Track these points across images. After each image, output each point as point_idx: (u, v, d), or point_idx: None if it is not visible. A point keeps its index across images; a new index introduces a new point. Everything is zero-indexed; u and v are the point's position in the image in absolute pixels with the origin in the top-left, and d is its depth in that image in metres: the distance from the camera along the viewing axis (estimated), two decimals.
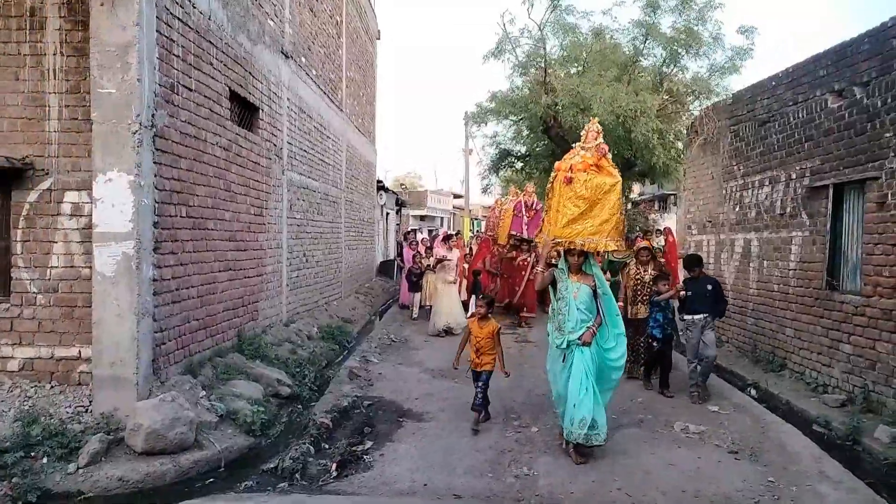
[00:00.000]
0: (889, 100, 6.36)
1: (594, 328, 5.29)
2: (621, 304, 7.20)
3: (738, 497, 4.52)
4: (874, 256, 6.55)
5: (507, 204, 14.24)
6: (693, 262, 7.23)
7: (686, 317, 7.06)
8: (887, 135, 6.38)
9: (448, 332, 10.99)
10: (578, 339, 5.22)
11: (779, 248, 8.61)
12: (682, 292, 7.04)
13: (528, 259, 11.62)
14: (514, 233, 12.49)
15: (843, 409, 6.44)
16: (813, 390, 7.30)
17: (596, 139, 5.89)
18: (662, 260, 8.43)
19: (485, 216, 40.49)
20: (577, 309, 5.30)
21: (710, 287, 7.02)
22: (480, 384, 6.06)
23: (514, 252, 12.38)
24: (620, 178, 5.80)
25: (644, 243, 8.60)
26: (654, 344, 7.31)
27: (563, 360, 5.33)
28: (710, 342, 6.96)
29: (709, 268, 10.28)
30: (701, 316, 6.95)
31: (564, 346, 5.30)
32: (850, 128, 7.02)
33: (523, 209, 12.61)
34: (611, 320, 5.44)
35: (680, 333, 7.87)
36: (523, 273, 11.77)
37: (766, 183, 8.99)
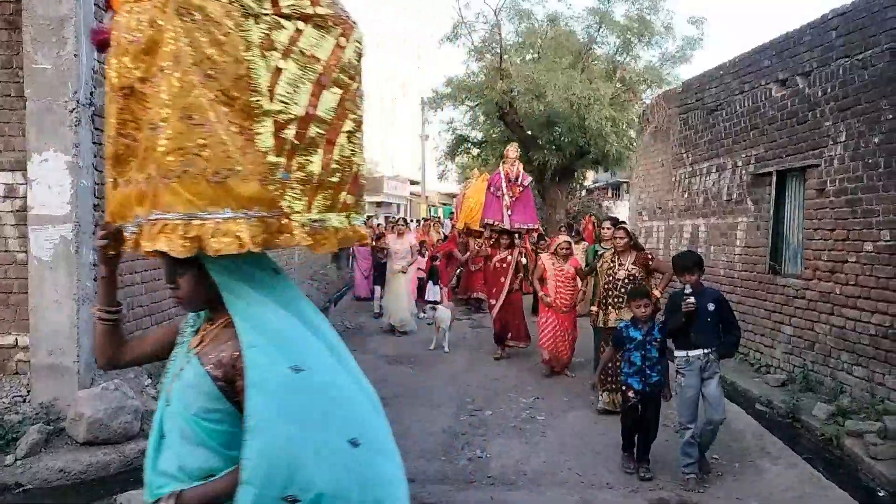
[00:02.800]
0: (829, 90, 6.58)
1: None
2: (594, 308, 6.22)
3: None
4: (813, 241, 6.80)
5: (478, 180, 11.62)
6: (690, 263, 4.58)
7: (678, 353, 4.56)
8: (827, 123, 6.60)
9: (393, 330, 9.83)
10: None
11: (725, 233, 8.85)
12: (688, 300, 4.40)
13: (510, 259, 8.23)
14: (490, 221, 8.63)
15: (784, 389, 6.70)
16: (756, 371, 7.56)
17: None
18: (650, 257, 6.22)
19: (443, 203, 40.44)
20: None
21: (712, 306, 4.46)
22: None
23: (490, 248, 8.84)
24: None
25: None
26: (632, 397, 4.64)
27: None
28: (716, 397, 4.46)
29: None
30: (701, 352, 4.44)
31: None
32: (792, 116, 7.24)
33: (503, 185, 8.51)
34: None
35: (672, 381, 4.85)
36: (502, 280, 8.14)
37: (714, 170, 9.22)
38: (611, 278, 5.99)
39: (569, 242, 7.48)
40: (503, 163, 8.84)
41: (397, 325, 9.75)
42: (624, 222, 7.29)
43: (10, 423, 4.70)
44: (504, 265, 8.21)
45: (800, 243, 7.25)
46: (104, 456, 4.62)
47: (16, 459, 4.45)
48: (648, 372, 4.59)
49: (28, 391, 5.08)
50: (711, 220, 9.29)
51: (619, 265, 5.97)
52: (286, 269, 8.47)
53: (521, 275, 8.22)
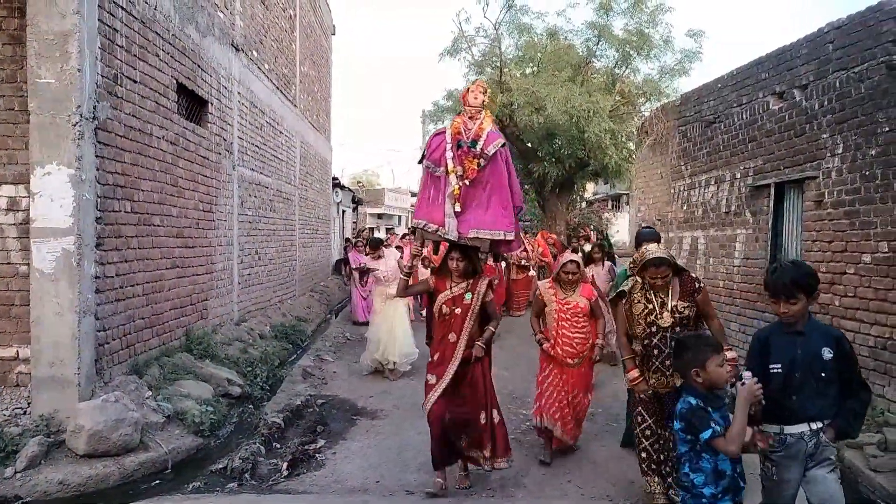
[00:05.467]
0: (826, 102, 6.63)
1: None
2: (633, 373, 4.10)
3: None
4: (812, 253, 6.82)
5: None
6: (787, 281, 2.96)
7: (769, 429, 2.98)
8: (824, 136, 6.64)
9: (378, 370, 7.93)
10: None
11: (724, 245, 8.88)
12: (743, 376, 2.82)
13: (468, 299, 4.45)
14: (419, 223, 4.59)
15: None
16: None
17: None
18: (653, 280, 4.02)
19: None
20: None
21: (827, 353, 2.94)
22: None
23: (434, 279, 4.66)
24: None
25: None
26: None
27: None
28: (830, 498, 2.93)
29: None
30: (806, 428, 2.94)
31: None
32: (790, 129, 7.29)
33: (448, 153, 4.46)
34: None
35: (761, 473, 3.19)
36: (451, 337, 4.45)
37: (712, 182, 9.26)
38: (651, 329, 3.95)
39: (577, 265, 5.14)
40: (464, 109, 4.66)
41: (396, 361, 7.79)
42: (651, 233, 5.36)
43: (11, 436, 4.71)
44: (455, 310, 4.39)
45: (798, 255, 7.27)
46: (104, 468, 4.63)
47: (15, 472, 4.45)
48: (722, 473, 2.80)
49: (28, 403, 5.09)
50: (710, 232, 9.32)
51: (661, 306, 3.95)
52: (289, 280, 8.46)
53: (493, 330, 4.58)
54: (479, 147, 4.44)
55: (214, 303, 8.27)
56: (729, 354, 3.36)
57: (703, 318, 4.04)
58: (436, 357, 4.52)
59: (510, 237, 4.48)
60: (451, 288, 4.47)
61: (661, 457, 4.11)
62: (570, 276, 5.12)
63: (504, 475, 4.78)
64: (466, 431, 4.47)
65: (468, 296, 4.44)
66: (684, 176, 10.29)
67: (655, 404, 4.09)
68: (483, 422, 4.47)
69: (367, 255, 9.65)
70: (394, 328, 7.85)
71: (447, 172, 4.44)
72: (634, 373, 4.07)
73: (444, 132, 4.61)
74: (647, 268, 3.95)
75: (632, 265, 4.25)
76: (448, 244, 4.57)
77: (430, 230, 4.50)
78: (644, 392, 4.07)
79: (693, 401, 2.82)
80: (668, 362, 3.87)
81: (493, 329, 4.59)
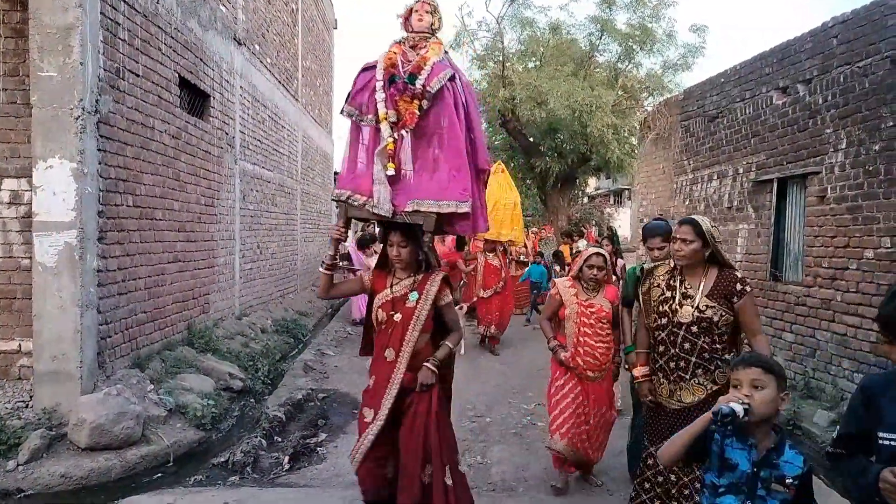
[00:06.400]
0: (829, 97, 6.60)
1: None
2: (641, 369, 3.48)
3: None
4: (814, 248, 6.81)
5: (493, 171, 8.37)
6: None
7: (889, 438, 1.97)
8: (828, 131, 6.62)
9: None
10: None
11: (726, 240, 8.85)
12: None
13: (412, 302, 3.28)
14: (343, 193, 3.31)
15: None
16: None
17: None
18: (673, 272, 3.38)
19: None
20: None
21: None
22: None
23: (375, 275, 3.47)
24: None
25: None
26: None
27: None
28: None
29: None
30: None
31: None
32: (793, 124, 7.26)
33: (379, 94, 3.24)
34: None
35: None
36: (387, 356, 3.31)
37: (715, 177, 9.24)
38: (665, 321, 3.28)
39: (604, 258, 4.32)
40: (394, 45, 3.50)
41: None
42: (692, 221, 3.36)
43: (13, 429, 4.72)
44: (394, 316, 3.30)
45: (801, 250, 7.26)
46: (106, 461, 4.64)
47: (18, 465, 4.46)
48: None
49: (31, 396, 5.10)
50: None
51: (684, 296, 3.24)
52: (291, 275, 8.44)
53: (452, 346, 3.41)
54: (419, 83, 3.19)
55: (216, 297, 8.28)
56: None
57: (746, 333, 3.23)
58: (371, 382, 3.37)
59: (464, 209, 3.14)
60: (391, 286, 3.29)
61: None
62: (596, 274, 4.28)
63: (505, 470, 4.79)
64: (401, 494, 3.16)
65: (412, 296, 3.24)
66: (687, 171, 10.26)
67: (663, 423, 3.28)
68: (425, 481, 3.16)
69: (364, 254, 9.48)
70: None
71: (377, 121, 3.24)
72: (643, 369, 3.42)
73: (375, 64, 3.33)
74: (652, 236, 3.79)
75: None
76: (389, 225, 3.30)
77: (355, 203, 3.24)
78: (645, 397, 3.45)
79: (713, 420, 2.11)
80: (676, 365, 3.20)
81: (451, 345, 3.32)
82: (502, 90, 14.14)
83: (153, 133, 6.38)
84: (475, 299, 9.05)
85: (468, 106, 3.37)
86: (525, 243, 11.03)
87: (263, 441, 5.27)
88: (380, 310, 3.31)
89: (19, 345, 5.30)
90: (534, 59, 15.99)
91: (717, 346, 3.18)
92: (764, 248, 7.92)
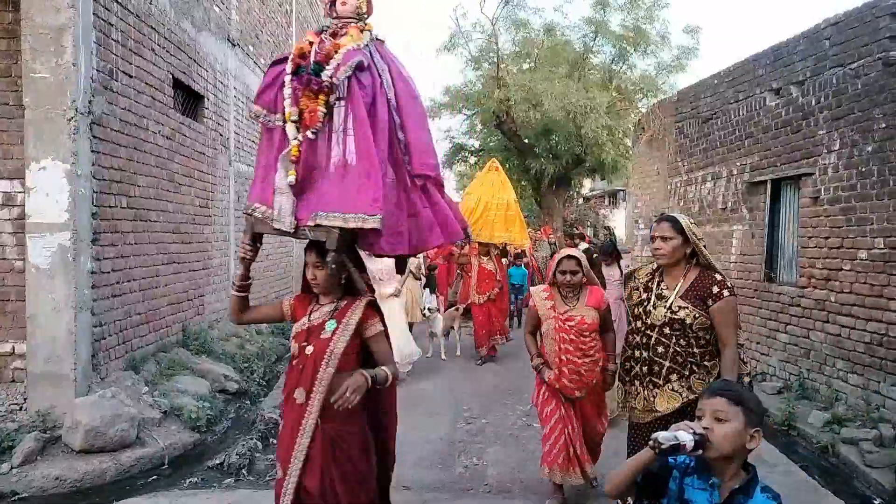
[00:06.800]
0: (822, 99, 6.63)
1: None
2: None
3: None
4: (808, 249, 6.83)
5: (487, 171, 9.39)
6: None
7: None
8: (821, 132, 6.65)
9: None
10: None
11: (720, 241, 8.89)
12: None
13: (329, 333, 2.74)
14: (248, 206, 2.85)
15: (781, 396, 6.71)
16: (753, 378, 7.58)
17: None
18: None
19: None
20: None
21: None
22: None
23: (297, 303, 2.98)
24: None
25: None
26: None
27: None
28: None
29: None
30: None
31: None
32: (786, 125, 7.30)
33: (286, 90, 2.74)
34: None
35: None
36: (297, 399, 2.72)
37: (709, 178, 9.27)
38: (639, 323, 3.18)
39: (577, 262, 3.91)
40: (310, 33, 2.96)
41: (399, 361, 6.66)
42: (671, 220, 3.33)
43: (7, 431, 4.69)
44: (306, 349, 2.76)
45: (795, 251, 7.29)
46: (100, 464, 4.62)
47: (11, 468, 4.44)
48: None
49: (25, 399, 5.07)
50: (707, 228, 9.33)
51: (658, 297, 3.11)
52: (286, 276, 8.35)
53: (367, 378, 2.58)
54: (325, 75, 2.67)
55: (211, 298, 8.25)
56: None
57: (719, 342, 2.99)
58: (282, 429, 2.89)
59: (371, 223, 2.57)
60: (309, 314, 2.83)
61: None
62: (570, 279, 3.87)
63: (500, 472, 4.78)
64: None
65: (329, 326, 2.75)
66: (681, 172, 10.30)
67: (637, 440, 3.13)
68: None
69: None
70: (395, 328, 6.65)
71: (284, 121, 2.75)
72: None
73: (287, 59, 2.82)
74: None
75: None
76: (309, 243, 2.80)
77: (259, 216, 2.77)
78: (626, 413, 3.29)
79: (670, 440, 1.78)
80: (650, 369, 3.06)
81: (388, 372, 2.68)
82: (497, 91, 14.19)
83: (147, 134, 6.36)
84: (470, 301, 8.83)
85: (398, 100, 2.86)
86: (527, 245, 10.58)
87: (259, 443, 5.25)
88: (293, 340, 2.81)
89: (13, 347, 5.26)
90: (528, 60, 16.06)
91: (695, 350, 3.01)
92: (758, 249, 7.95)
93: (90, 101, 5.19)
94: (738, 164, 8.42)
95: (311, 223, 2.66)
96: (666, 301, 3.06)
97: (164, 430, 5.27)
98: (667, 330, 3.04)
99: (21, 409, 5.03)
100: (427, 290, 11.63)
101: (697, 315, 2.99)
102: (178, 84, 7.20)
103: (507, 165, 16.08)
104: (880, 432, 5.01)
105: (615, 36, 14.63)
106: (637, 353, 3.15)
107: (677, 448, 1.75)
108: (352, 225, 2.59)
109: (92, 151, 5.26)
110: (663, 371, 3.04)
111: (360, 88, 2.71)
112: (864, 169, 5.99)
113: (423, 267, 9.47)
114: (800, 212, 7.13)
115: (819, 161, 6.67)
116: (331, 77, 2.65)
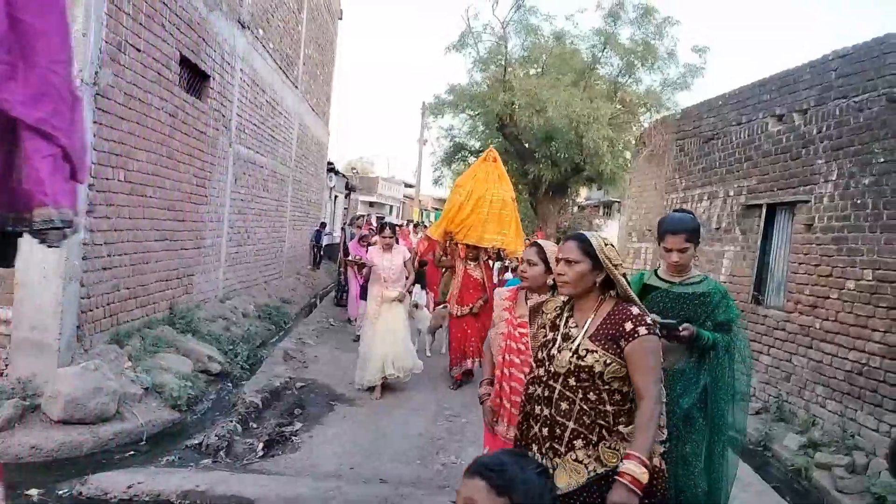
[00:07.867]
0: (824, 128, 6.69)
1: None
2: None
3: None
4: (798, 275, 6.90)
5: (483, 161, 7.58)
6: None
7: None
8: (819, 161, 6.72)
9: (384, 386, 6.58)
10: None
11: (712, 260, 8.95)
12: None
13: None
14: None
15: (759, 417, 6.77)
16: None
17: None
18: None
19: (435, 208, 40.40)
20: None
21: None
22: None
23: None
24: None
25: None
26: None
27: None
28: None
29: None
30: None
31: None
32: (786, 151, 7.36)
33: None
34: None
35: None
36: None
37: (706, 198, 9.33)
38: (542, 371, 2.40)
39: (540, 251, 3.19)
40: None
41: (399, 376, 6.59)
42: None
43: None
44: None
45: (784, 276, 7.35)
46: (78, 435, 4.60)
47: None
48: None
49: (6, 365, 5.05)
50: (700, 247, 9.39)
51: (564, 338, 2.38)
52: (276, 262, 8.36)
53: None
54: None
55: (200, 278, 8.23)
56: None
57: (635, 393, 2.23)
58: None
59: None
60: None
61: None
62: (524, 271, 3.14)
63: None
64: None
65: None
66: (678, 189, 10.35)
67: None
68: None
69: (368, 245, 8.33)
70: (398, 337, 6.58)
71: None
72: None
73: None
74: (673, 233, 3.00)
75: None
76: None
77: None
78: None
79: None
80: (550, 432, 2.30)
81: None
82: (502, 94, 14.18)
83: (150, 109, 6.34)
84: (448, 311, 7.54)
85: None
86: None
87: (238, 426, 5.26)
88: None
89: None
90: (536, 66, 16.07)
91: (607, 407, 2.24)
92: (748, 270, 8.01)
93: (96, 73, 5.17)
94: (735, 185, 8.48)
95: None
96: (572, 343, 2.33)
97: (144, 406, 5.26)
98: (572, 381, 2.28)
99: (2, 374, 5.00)
100: (417, 285, 11.62)
101: (609, 361, 2.24)
102: (184, 62, 7.17)
103: (506, 168, 16.02)
104: (853, 459, 5.08)
105: (624, 49, 14.64)
106: (537, 410, 2.36)
107: None
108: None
109: (94, 122, 5.24)
110: (566, 434, 2.27)
111: None
112: (859, 201, 6.05)
113: (414, 262, 9.21)
114: (792, 237, 7.20)
115: (815, 189, 6.73)
116: None
